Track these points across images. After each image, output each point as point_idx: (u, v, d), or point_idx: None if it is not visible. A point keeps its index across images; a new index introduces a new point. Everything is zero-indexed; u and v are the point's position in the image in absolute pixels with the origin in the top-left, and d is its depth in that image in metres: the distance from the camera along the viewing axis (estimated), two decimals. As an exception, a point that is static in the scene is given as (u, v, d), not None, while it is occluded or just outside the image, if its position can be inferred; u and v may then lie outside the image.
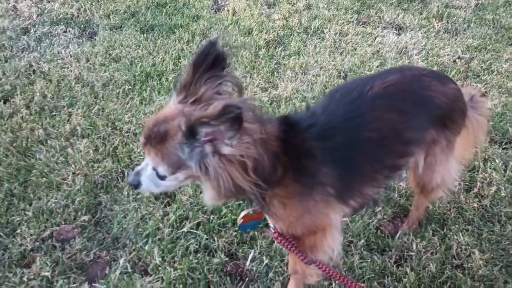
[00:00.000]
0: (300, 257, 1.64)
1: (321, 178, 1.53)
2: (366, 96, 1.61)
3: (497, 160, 2.46)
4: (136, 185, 1.45)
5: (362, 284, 1.90)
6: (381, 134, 1.61)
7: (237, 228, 2.06)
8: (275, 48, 3.35)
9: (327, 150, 1.52)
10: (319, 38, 3.48)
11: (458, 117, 1.78)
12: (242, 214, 1.70)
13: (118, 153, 2.43)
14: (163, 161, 1.32)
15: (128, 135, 2.55)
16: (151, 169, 1.38)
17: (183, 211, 2.13)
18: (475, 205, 2.24)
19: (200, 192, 2.21)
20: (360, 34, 3.53)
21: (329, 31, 3.53)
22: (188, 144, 1.25)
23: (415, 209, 2.16)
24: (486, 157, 2.49)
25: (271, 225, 1.67)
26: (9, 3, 3.69)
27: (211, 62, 1.32)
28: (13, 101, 2.70)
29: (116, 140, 2.50)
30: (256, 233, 2.07)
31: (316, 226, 1.63)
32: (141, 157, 2.41)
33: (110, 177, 2.32)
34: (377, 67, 3.17)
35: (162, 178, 1.37)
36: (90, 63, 3.08)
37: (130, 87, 2.91)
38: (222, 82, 1.35)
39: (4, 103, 2.71)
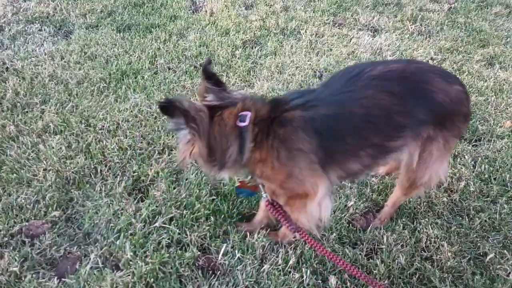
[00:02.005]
0: (286, 224, 1.82)
1: (299, 145, 1.67)
2: (363, 76, 1.69)
3: (466, 157, 2.52)
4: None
5: (342, 259, 1.90)
6: (369, 111, 1.66)
7: (210, 223, 2.06)
8: (252, 48, 3.38)
9: (307, 119, 1.65)
10: (295, 39, 3.53)
11: (458, 120, 1.79)
12: (240, 179, 1.92)
13: (91, 150, 2.41)
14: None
15: (102, 132, 2.53)
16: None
17: (156, 206, 2.12)
18: (445, 199, 2.29)
19: (174, 188, 2.22)
20: (336, 35, 3.58)
21: (306, 32, 3.58)
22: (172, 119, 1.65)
23: (391, 205, 2.19)
24: (456, 153, 2.55)
25: (263, 194, 1.85)
26: (-18, 1, 3.65)
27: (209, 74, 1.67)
28: (-16, 98, 2.67)
29: (90, 137, 2.48)
30: (229, 227, 2.07)
31: (300, 191, 1.77)
32: (114, 153, 2.40)
33: (82, 173, 2.29)
34: (352, 67, 3.22)
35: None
36: (64, 61, 3.05)
37: (105, 85, 2.89)
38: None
39: (-25, 100, 2.67)
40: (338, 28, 3.69)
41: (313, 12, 3.87)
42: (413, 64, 1.85)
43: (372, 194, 2.31)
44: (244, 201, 2.21)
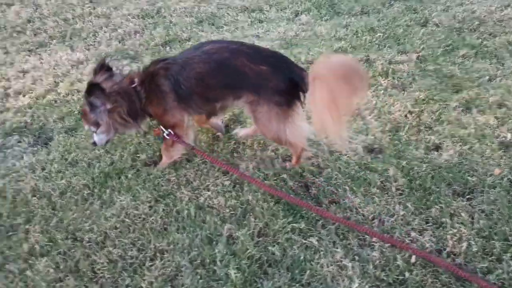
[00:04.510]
0: (185, 145, 2.85)
1: (163, 87, 2.65)
2: (201, 49, 2.68)
3: (463, 214, 2.47)
4: (94, 143, 2.89)
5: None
6: (197, 71, 2.61)
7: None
8: (234, 127, 3.39)
9: (165, 71, 2.65)
10: (273, 111, 3.55)
11: (269, 91, 2.56)
12: (155, 129, 3.06)
13: (80, 268, 2.33)
14: (90, 124, 2.75)
15: (90, 246, 2.46)
16: (91, 130, 2.81)
17: None
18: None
19: None
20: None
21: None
22: (93, 111, 2.65)
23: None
24: (452, 211, 2.51)
25: (166, 132, 2.79)
26: (-40, 119, 3.65)
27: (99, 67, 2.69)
28: (-34, 227, 2.60)
29: (78, 253, 2.40)
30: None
31: (173, 122, 2.78)
32: (104, 268, 2.32)
33: (73, 296, 2.20)
34: (333, 133, 3.23)
35: (96, 133, 2.79)
36: (46, 172, 3.02)
37: (89, 191, 2.85)
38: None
39: (-43, 230, 2.60)
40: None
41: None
42: (232, 45, 2.72)
43: (375, 271, 2.24)
44: None
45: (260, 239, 2.47)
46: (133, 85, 2.68)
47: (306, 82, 2.53)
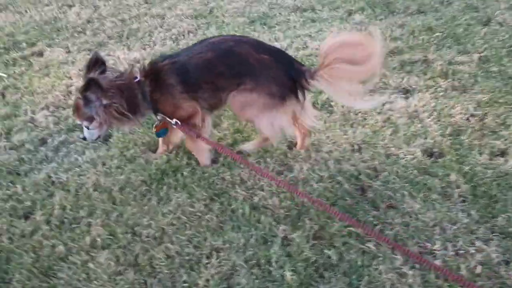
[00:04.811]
0: (191, 134, 2.78)
1: (170, 81, 2.66)
2: (205, 42, 2.79)
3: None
4: (84, 138, 2.86)
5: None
6: (201, 62, 2.66)
7: None
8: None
9: (171, 65, 2.66)
10: (327, 112, 3.50)
11: (267, 80, 2.65)
12: (154, 125, 2.90)
13: (139, 262, 2.39)
14: (83, 119, 2.71)
15: (148, 241, 2.52)
16: (84, 126, 2.76)
17: None
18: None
19: None
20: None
21: (336, 103, 3.56)
22: (88, 106, 2.60)
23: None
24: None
25: (173, 122, 2.71)
26: (26, 115, 3.84)
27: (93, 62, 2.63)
28: (33, 218, 2.73)
29: (137, 247, 2.47)
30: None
31: (187, 114, 2.76)
32: (162, 263, 2.37)
33: (133, 289, 2.26)
34: (390, 135, 3.15)
35: (88, 128, 2.75)
36: (106, 167, 3.13)
37: (146, 187, 2.92)
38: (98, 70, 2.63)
39: (25, 220, 2.74)
40: (370, 95, 3.64)
41: (341, 81, 3.86)
42: (237, 36, 3.08)
43: (437, 281, 2.15)
44: None
45: (316, 242, 2.44)
46: (136, 79, 2.66)
47: (307, 78, 2.64)
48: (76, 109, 2.69)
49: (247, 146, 3.13)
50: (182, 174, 2.99)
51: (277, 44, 4.63)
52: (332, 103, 3.58)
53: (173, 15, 5.76)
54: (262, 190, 2.82)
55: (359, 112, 3.46)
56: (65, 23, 5.74)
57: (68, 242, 2.55)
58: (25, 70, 4.60)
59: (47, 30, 5.56)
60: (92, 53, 2.68)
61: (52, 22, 5.80)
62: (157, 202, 2.80)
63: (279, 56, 2.73)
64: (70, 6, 6.27)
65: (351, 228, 2.45)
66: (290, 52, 4.38)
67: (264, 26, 5.17)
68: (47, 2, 6.45)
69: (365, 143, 3.11)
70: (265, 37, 4.86)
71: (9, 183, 3.03)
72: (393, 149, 3.03)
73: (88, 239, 2.54)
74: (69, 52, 5.00)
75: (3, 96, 4.15)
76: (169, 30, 5.35)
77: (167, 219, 2.65)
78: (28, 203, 2.84)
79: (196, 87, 2.70)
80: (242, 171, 2.97)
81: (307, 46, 4.56)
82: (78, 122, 2.83)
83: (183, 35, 5.20)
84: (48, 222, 2.69)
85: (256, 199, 2.75)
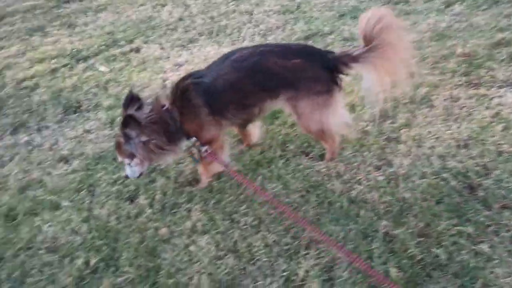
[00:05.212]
0: (220, 163, 2.71)
1: (195, 101, 2.60)
2: (228, 60, 2.67)
3: None
4: (126, 176, 2.79)
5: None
6: (227, 82, 2.59)
7: None
8: (384, 121, 3.24)
9: (195, 85, 2.61)
10: (427, 107, 3.31)
11: (306, 82, 2.60)
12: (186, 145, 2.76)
13: (238, 248, 2.42)
14: (124, 156, 2.66)
15: (246, 228, 2.54)
16: (126, 163, 2.72)
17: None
18: None
19: (328, 289, 2.09)
20: (473, 97, 3.30)
21: (438, 97, 3.36)
22: (128, 143, 2.59)
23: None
24: None
25: (203, 149, 2.65)
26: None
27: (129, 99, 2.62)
28: (137, 201, 2.87)
29: (235, 234, 2.50)
30: None
31: (209, 137, 2.70)
32: (261, 251, 2.38)
33: (233, 275, 2.29)
34: (501, 131, 2.90)
35: (130, 165, 2.70)
36: (202, 157, 3.21)
37: (241, 177, 2.96)
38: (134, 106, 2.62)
39: (130, 203, 2.89)
40: (475, 89, 3.40)
41: (442, 74, 3.64)
42: (260, 47, 2.76)
43: None
44: None
45: (421, 239, 2.30)
46: (164, 108, 2.60)
47: (347, 62, 2.60)
48: (117, 146, 2.67)
49: (326, 158, 2.96)
50: (276, 166, 2.99)
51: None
52: (433, 97, 3.39)
53: (261, 11, 5.81)
54: (360, 184, 2.73)
55: (464, 106, 3.23)
56: (159, 21, 6.03)
57: (170, 225, 2.64)
58: (125, 65, 4.89)
59: (143, 28, 5.88)
60: (128, 91, 2.69)
61: (147, 20, 6.12)
62: (252, 191, 2.82)
63: (308, 54, 2.66)
64: (163, 5, 6.58)
65: (461, 228, 2.29)
66: (384, 45, 4.22)
67: (354, 19, 5.03)
68: (142, 2, 6.83)
69: (472, 139, 2.90)
70: (356, 31, 4.73)
71: (114, 169, 3.22)
72: (505, 146, 2.79)
73: (188, 223, 2.62)
74: (163, 48, 5.23)
75: (106, 89, 4.43)
76: (257, 25, 5.41)
77: (264, 208, 2.65)
78: (132, 187, 3.00)
79: (223, 109, 2.66)
80: (337, 164, 2.90)
81: (401, 39, 4.36)
82: (120, 159, 2.75)
83: (271, 31, 5.23)
84: (151, 206, 2.81)
85: (354, 193, 2.67)
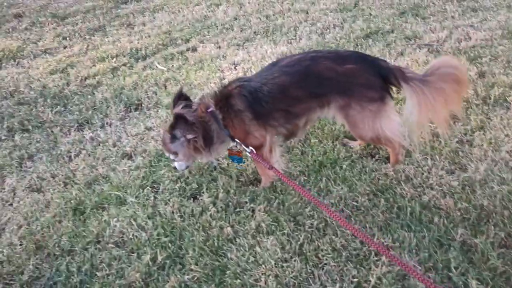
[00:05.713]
0: (264, 165, 2.54)
1: (238, 106, 2.56)
2: (277, 65, 2.65)
3: None
4: (175, 168, 2.91)
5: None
6: (275, 87, 2.54)
7: None
8: (454, 123, 3.08)
9: (240, 90, 2.58)
10: (503, 108, 3.12)
11: (359, 88, 2.50)
12: (227, 147, 2.87)
13: (304, 252, 2.36)
14: (169, 152, 2.75)
15: (312, 231, 2.48)
16: (170, 158, 2.82)
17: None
18: None
19: None
20: (555, 98, 3.08)
21: (515, 98, 3.16)
22: (173, 142, 2.66)
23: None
24: None
25: (247, 150, 2.57)
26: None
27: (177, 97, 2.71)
28: (201, 199, 2.87)
29: (301, 236, 2.45)
30: None
31: (256, 144, 2.64)
32: (329, 255, 2.31)
33: (300, 278, 2.23)
34: None
35: (176, 160, 2.79)
36: (263, 156, 3.17)
37: (305, 178, 2.90)
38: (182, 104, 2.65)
39: (193, 200, 2.90)
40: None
41: (517, 74, 3.43)
42: (310, 53, 2.75)
43: None
44: None
45: (503, 250, 2.15)
46: (209, 109, 2.59)
47: (398, 78, 2.48)
48: (163, 144, 2.77)
49: (391, 163, 2.87)
50: (341, 167, 2.91)
51: (433, 36, 4.31)
52: (508, 98, 3.18)
53: (317, 9, 5.73)
54: (432, 189, 2.60)
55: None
56: (214, 21, 6.08)
57: (234, 224, 2.62)
58: (182, 64, 4.95)
59: (199, 27, 5.94)
60: (177, 90, 2.76)
61: (203, 20, 6.18)
62: (317, 193, 2.75)
63: (361, 60, 2.58)
64: (217, 5, 6.64)
65: (549, 240, 2.12)
66: (451, 43, 4.03)
67: (416, 17, 4.85)
68: (197, 2, 6.91)
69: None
70: (418, 29, 4.56)
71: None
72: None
73: (253, 223, 2.59)
74: (219, 47, 5.26)
75: (165, 87, 4.50)
76: (314, 24, 5.33)
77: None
78: (195, 185, 3.00)
79: (268, 115, 2.60)
80: (406, 167, 2.78)
81: (470, 37, 4.15)
82: (166, 154, 2.88)
83: (328, 29, 5.13)
84: (214, 204, 2.80)
85: (425, 198, 2.54)
